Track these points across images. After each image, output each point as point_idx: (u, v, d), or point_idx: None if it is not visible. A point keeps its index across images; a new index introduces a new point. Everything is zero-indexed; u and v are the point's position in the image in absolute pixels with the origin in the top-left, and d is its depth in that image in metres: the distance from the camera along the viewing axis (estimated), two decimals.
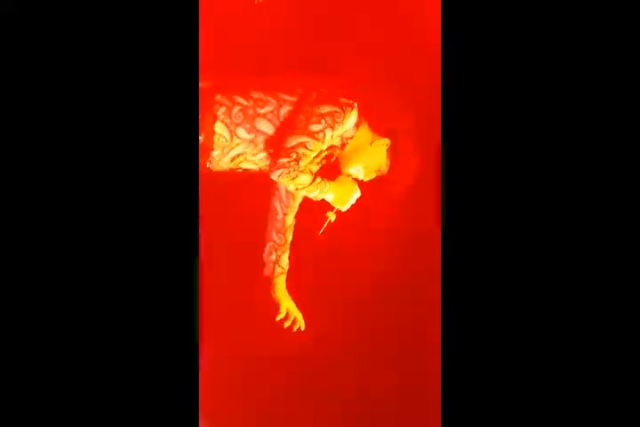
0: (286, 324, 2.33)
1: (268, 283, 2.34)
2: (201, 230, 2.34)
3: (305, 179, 2.07)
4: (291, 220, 2.35)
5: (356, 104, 2.15)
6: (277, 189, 2.37)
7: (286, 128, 2.12)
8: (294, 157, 2.05)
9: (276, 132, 2.14)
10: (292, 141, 2.07)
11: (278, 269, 2.33)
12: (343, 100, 2.13)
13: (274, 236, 2.33)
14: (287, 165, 2.04)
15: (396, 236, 2.66)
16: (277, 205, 2.34)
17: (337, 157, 2.26)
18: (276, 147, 2.12)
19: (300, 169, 2.06)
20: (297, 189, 2.10)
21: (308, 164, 2.11)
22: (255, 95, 2.16)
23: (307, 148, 2.07)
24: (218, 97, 2.14)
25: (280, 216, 2.33)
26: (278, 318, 2.32)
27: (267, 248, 2.34)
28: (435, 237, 1.76)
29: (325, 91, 2.16)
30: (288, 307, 2.34)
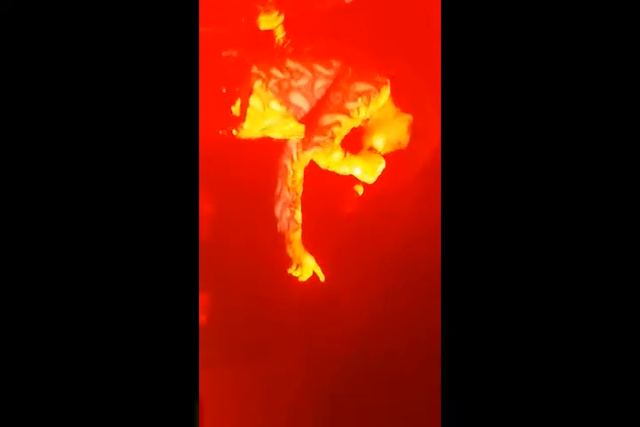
0: (301, 277, 2.35)
1: (283, 239, 2.38)
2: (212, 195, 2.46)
3: (337, 156, 2.13)
4: (300, 175, 2.38)
5: (389, 81, 2.18)
6: (287, 147, 2.38)
7: (322, 105, 2.14)
8: (330, 135, 2.09)
9: (310, 109, 2.17)
10: (328, 120, 2.10)
11: (293, 225, 2.37)
12: (378, 78, 2.17)
13: (285, 193, 2.37)
14: (323, 143, 2.09)
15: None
16: (287, 162, 2.37)
17: (358, 129, 2.27)
18: (310, 124, 2.15)
19: (335, 147, 2.10)
20: (328, 166, 2.14)
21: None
22: (291, 66, 2.18)
23: (341, 126, 2.11)
24: (254, 69, 2.17)
25: (290, 173, 2.36)
26: (290, 271, 2.35)
27: (279, 205, 2.38)
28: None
29: (361, 67, 2.18)
30: (306, 261, 2.36)
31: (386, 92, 2.18)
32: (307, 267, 2.36)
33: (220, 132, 2.21)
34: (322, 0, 2.42)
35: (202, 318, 2.64)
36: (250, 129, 2.22)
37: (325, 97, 2.15)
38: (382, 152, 2.27)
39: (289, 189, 2.37)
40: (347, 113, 2.11)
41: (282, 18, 2.25)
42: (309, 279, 2.38)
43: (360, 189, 2.27)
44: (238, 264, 2.71)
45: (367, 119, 2.25)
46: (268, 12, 2.22)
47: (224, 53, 2.21)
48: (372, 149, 2.26)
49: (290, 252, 2.37)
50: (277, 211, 2.38)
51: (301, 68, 2.17)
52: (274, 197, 2.39)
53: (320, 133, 2.09)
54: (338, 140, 2.11)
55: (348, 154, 2.15)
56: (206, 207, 2.64)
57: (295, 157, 2.38)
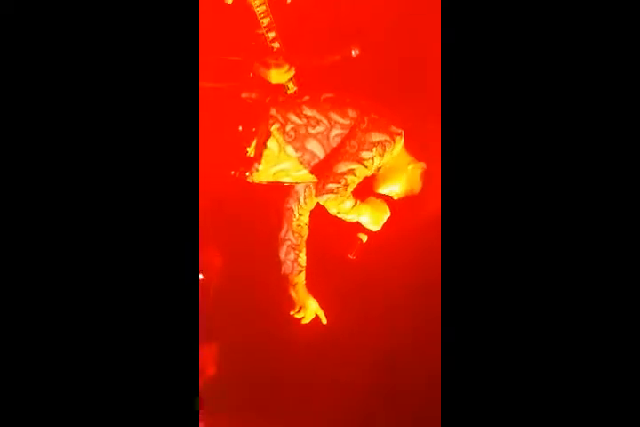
0: (303, 320, 2.35)
1: (287, 281, 2.38)
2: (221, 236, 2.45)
3: (349, 204, 2.12)
4: (306, 219, 2.39)
5: (402, 132, 2.20)
6: (295, 191, 2.41)
7: (337, 153, 2.15)
8: (343, 183, 2.09)
9: (325, 156, 2.17)
10: (343, 167, 2.11)
11: (297, 268, 2.38)
12: (393, 128, 2.18)
13: (290, 236, 2.39)
14: (336, 190, 2.08)
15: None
16: (294, 206, 2.39)
17: (371, 177, 2.28)
18: (324, 171, 2.15)
19: (347, 195, 2.10)
20: (338, 212, 2.14)
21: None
22: (309, 113, 2.19)
23: (355, 174, 2.11)
24: (273, 111, 2.18)
25: (296, 217, 2.38)
26: (292, 313, 2.35)
27: (284, 248, 2.39)
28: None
29: (377, 117, 2.19)
30: (309, 303, 2.37)
31: (400, 142, 2.20)
32: (309, 309, 2.37)
33: (232, 172, 2.21)
34: (329, 54, 2.44)
35: (208, 366, 2.63)
36: (264, 171, 2.22)
37: (341, 145, 2.16)
38: (395, 197, 2.28)
39: (294, 233, 2.38)
40: (361, 162, 2.12)
41: (292, 72, 2.27)
42: (312, 322, 2.39)
43: (364, 237, 2.26)
44: (242, 306, 2.69)
45: (379, 167, 2.26)
46: (278, 66, 2.24)
47: (243, 95, 2.23)
48: (384, 196, 2.27)
49: (293, 294, 2.38)
50: (282, 253, 2.40)
51: (318, 116, 2.18)
52: (279, 239, 2.41)
53: (334, 181, 2.09)
54: (350, 189, 2.12)
55: (358, 202, 2.15)
56: (212, 251, 2.64)
57: (302, 201, 2.40)
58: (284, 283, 2.40)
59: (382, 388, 2.71)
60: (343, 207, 2.12)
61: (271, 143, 2.18)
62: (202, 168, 1.74)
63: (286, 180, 2.27)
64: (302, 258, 2.40)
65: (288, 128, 2.17)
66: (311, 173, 2.23)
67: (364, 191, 2.26)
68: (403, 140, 2.21)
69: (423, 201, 2.33)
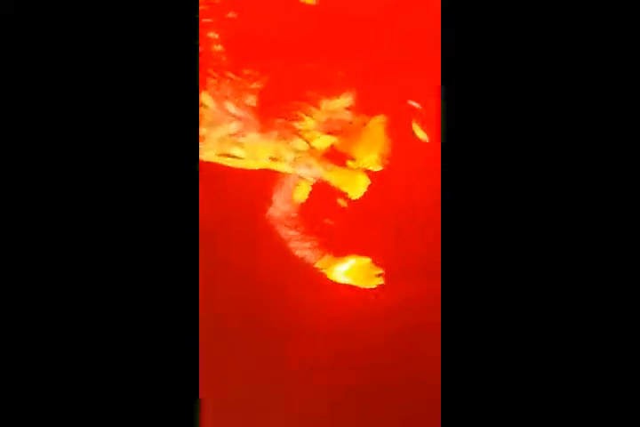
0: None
1: (316, 272, 2.22)
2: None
3: (301, 144, 1.99)
4: (293, 209, 2.21)
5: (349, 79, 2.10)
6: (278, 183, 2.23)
7: (278, 95, 2.06)
8: (289, 118, 1.99)
9: (267, 101, 2.06)
10: (286, 105, 2.02)
11: (315, 256, 2.21)
12: (338, 72, 2.09)
13: (287, 231, 2.22)
14: (281, 124, 1.98)
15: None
16: (276, 197, 2.22)
17: (340, 152, 2.14)
18: (268, 112, 2.04)
19: (296, 130, 1.98)
20: (295, 159, 1.98)
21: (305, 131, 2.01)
22: (247, 72, 2.11)
23: (301, 110, 2.02)
24: (209, 70, 2.10)
25: (285, 207, 2.22)
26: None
27: (292, 245, 2.22)
28: None
29: (319, 67, 2.11)
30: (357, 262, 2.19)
31: (347, 85, 2.10)
32: (357, 263, 2.20)
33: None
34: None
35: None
36: (208, 138, 2.09)
37: (282, 88, 2.07)
38: (376, 169, 2.13)
39: (288, 228, 2.22)
40: (306, 100, 2.03)
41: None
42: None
43: (343, 203, 2.13)
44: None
45: (340, 131, 2.13)
46: None
47: None
48: (366, 171, 2.11)
49: (336, 279, 2.21)
50: (295, 252, 2.23)
51: (257, 74, 2.11)
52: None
53: (279, 116, 2.00)
54: (299, 126, 2.00)
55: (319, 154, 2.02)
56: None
57: (284, 193, 2.23)
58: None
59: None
60: (297, 148, 1.99)
61: (206, 100, 2.08)
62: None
63: (236, 151, 2.10)
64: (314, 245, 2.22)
65: (224, 84, 2.09)
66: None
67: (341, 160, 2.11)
68: (349, 86, 2.12)
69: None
